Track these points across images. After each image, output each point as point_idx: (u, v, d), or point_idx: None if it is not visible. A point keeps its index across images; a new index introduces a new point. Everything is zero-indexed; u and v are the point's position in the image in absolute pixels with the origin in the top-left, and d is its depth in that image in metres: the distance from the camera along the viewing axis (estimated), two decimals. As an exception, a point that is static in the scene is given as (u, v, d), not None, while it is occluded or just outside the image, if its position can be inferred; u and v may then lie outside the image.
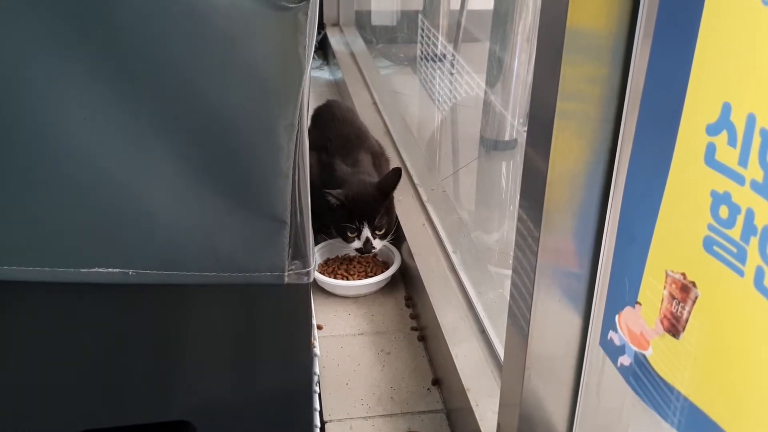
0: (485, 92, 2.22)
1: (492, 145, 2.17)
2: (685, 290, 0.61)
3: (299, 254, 0.88)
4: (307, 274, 0.90)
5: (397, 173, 1.60)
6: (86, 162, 0.79)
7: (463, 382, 1.16)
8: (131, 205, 0.82)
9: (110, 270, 0.85)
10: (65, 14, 0.73)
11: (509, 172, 2.18)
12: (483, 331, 1.29)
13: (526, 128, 2.20)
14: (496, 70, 2.14)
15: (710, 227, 0.57)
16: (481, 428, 1.09)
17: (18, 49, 0.74)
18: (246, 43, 0.76)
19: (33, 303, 0.90)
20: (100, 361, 0.96)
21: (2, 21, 0.72)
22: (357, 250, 1.60)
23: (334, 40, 3.00)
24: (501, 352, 1.21)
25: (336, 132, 1.77)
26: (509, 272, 0.86)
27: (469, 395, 1.13)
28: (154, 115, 0.78)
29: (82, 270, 0.84)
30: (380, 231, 1.59)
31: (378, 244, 1.60)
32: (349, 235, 1.59)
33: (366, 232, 1.57)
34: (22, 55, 0.74)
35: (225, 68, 0.77)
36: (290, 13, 0.75)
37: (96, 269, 0.85)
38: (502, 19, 2.05)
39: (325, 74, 2.95)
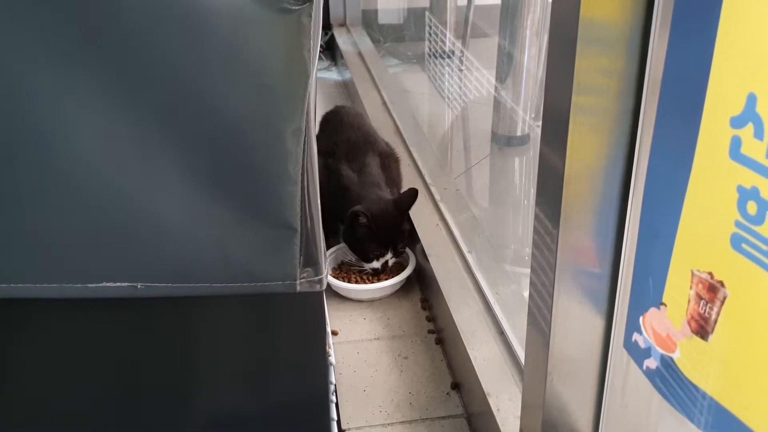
0: (495, 88, 2.20)
1: (504, 141, 2.15)
2: (712, 290, 0.59)
3: (311, 261, 0.86)
4: (320, 281, 0.88)
5: (413, 194, 1.58)
6: (90, 175, 0.78)
7: (483, 386, 1.14)
8: (138, 218, 0.80)
9: (118, 284, 0.83)
10: (66, 24, 0.71)
11: (522, 167, 2.16)
12: (502, 333, 1.26)
13: (538, 123, 2.18)
14: (505, 65, 2.11)
15: (738, 224, 0.55)
16: (503, 433, 1.06)
17: (19, 61, 0.73)
18: (249, 48, 0.74)
19: (41, 320, 0.89)
20: (112, 376, 0.95)
21: (3, 33, 0.71)
22: (372, 269, 1.59)
23: (342, 40, 2.99)
24: (521, 353, 1.18)
25: (343, 137, 1.76)
26: (526, 271, 0.84)
27: (490, 399, 1.11)
28: (158, 125, 0.77)
29: (89, 285, 0.83)
30: (399, 253, 1.60)
31: (391, 262, 1.60)
32: (371, 257, 1.58)
33: (388, 256, 1.58)
34: (23, 68, 0.73)
35: (229, 73, 0.75)
36: (294, 15, 0.73)
37: (104, 284, 0.83)
38: (510, 13, 2.03)
39: (333, 75, 2.93)
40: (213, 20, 0.73)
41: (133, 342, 0.93)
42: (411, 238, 1.63)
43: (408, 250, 1.64)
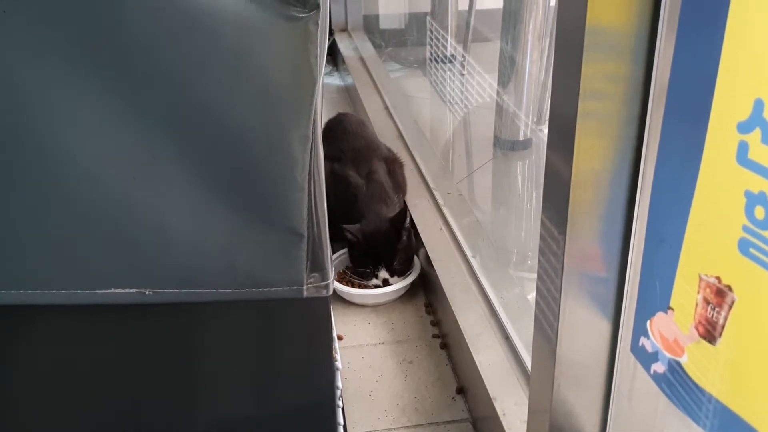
0: (497, 92, 2.20)
1: (507, 146, 2.15)
2: (720, 294, 0.59)
3: (318, 267, 0.87)
4: (326, 287, 0.88)
5: (403, 213, 1.58)
6: (97, 182, 0.78)
7: (489, 391, 1.14)
8: (146, 225, 0.81)
9: (127, 290, 0.84)
10: (72, 32, 0.72)
11: (525, 171, 2.16)
12: (507, 337, 1.26)
13: (540, 127, 2.17)
14: (507, 70, 2.11)
15: (745, 228, 0.55)
16: (509, 437, 1.07)
17: (26, 71, 0.73)
18: (256, 55, 0.75)
19: (50, 327, 0.89)
20: (118, 381, 0.95)
21: (8, 40, 0.71)
22: (374, 285, 1.59)
23: (343, 45, 2.99)
24: (526, 357, 1.19)
25: (348, 144, 1.76)
26: (530, 275, 0.84)
27: (496, 404, 1.11)
28: (165, 132, 0.77)
29: (98, 291, 0.83)
30: (398, 270, 1.58)
31: (395, 280, 1.58)
32: (364, 273, 1.58)
33: (383, 275, 1.57)
34: (31, 77, 0.73)
35: (236, 81, 0.76)
36: (301, 23, 0.73)
37: (112, 290, 0.83)
38: (512, 17, 2.03)
39: (335, 80, 2.93)
40: (220, 29, 0.73)
41: (140, 347, 0.93)
42: (412, 256, 1.62)
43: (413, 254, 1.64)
